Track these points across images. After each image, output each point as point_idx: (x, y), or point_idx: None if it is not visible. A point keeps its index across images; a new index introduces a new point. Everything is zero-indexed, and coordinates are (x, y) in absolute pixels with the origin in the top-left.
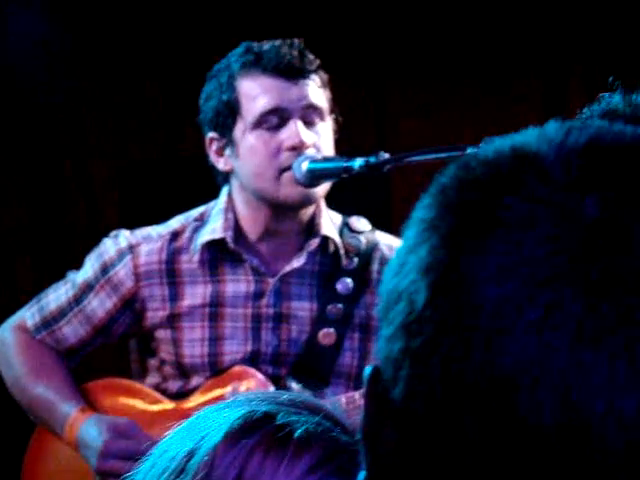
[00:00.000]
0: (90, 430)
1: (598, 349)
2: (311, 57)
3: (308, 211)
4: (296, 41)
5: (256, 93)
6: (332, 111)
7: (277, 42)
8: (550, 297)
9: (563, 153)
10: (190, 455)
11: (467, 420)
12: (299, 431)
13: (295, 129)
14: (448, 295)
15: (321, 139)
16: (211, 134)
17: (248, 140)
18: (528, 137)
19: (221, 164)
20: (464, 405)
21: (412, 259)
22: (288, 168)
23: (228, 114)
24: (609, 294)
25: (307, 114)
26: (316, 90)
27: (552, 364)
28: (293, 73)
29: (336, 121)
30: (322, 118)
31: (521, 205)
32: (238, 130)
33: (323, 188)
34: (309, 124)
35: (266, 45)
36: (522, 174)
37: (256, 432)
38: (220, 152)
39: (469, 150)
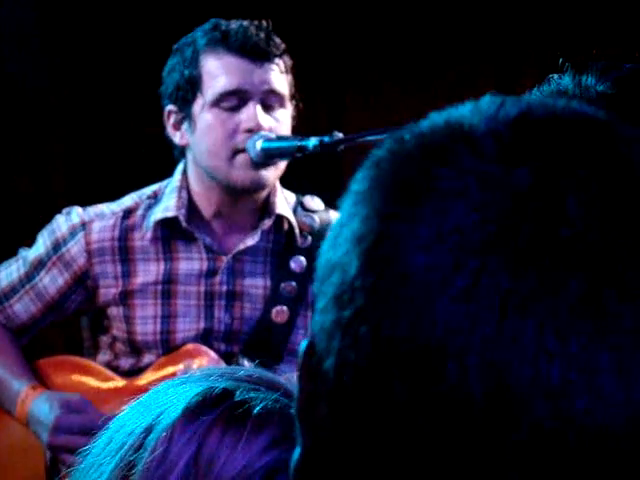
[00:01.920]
0: (41, 406)
1: (524, 317)
2: (277, 41)
3: (262, 192)
4: (264, 23)
5: (218, 72)
6: (293, 97)
7: (245, 22)
8: (477, 265)
9: (494, 125)
10: (148, 431)
11: (396, 390)
12: (258, 408)
13: (253, 111)
14: (378, 264)
15: (278, 125)
16: (170, 107)
17: (205, 117)
18: (462, 111)
19: (177, 138)
20: (393, 375)
21: (345, 231)
22: (242, 150)
23: (189, 89)
24: (536, 262)
25: (267, 98)
26: (279, 75)
27: (479, 332)
28: (258, 55)
29: (296, 107)
30: (282, 104)
31: (451, 175)
32: (197, 106)
33: (275, 173)
34: (268, 108)
35: (234, 24)
36: (454, 146)
37: (214, 409)
38: (177, 126)
39: None
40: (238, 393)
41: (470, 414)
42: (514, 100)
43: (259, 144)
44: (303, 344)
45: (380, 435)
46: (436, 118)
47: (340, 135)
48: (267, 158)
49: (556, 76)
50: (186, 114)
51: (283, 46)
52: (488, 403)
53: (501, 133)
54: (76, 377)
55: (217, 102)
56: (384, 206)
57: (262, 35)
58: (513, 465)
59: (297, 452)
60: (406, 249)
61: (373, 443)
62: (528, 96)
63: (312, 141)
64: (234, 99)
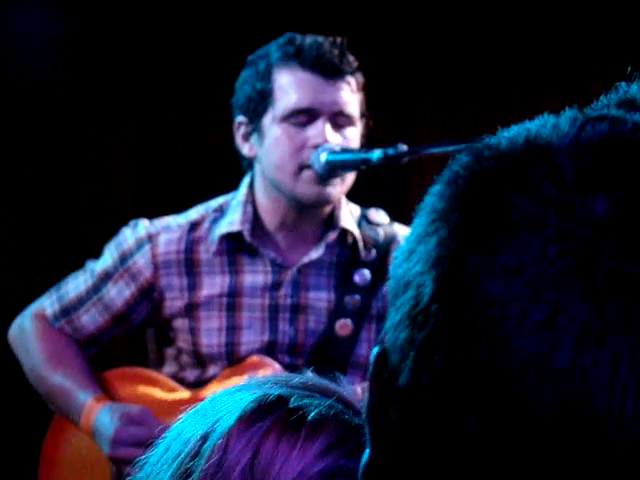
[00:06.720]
0: (103, 418)
1: (601, 350)
2: (351, 58)
3: (327, 207)
4: (338, 39)
5: (290, 87)
6: (363, 115)
7: (320, 38)
8: (555, 298)
9: (575, 149)
10: (204, 438)
11: (468, 416)
12: (312, 414)
13: (322, 129)
14: (454, 292)
15: (346, 141)
16: (240, 118)
17: (274, 131)
18: (543, 128)
19: (246, 149)
20: (466, 401)
21: (421, 249)
22: (309, 166)
23: (260, 101)
24: (615, 296)
25: (337, 118)
26: (349, 95)
27: (554, 364)
28: (330, 72)
29: (366, 125)
30: (351, 123)
31: (530, 205)
32: (267, 119)
33: (342, 188)
34: (337, 126)
35: (308, 39)
36: (532, 171)
37: (269, 415)
38: (246, 137)
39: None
40: (292, 400)
41: (542, 440)
42: (596, 119)
43: (323, 157)
44: (374, 351)
45: (450, 449)
46: (515, 134)
47: (404, 147)
48: (331, 171)
49: (624, 84)
50: (256, 126)
51: (356, 64)
52: (561, 430)
53: (582, 159)
54: (141, 388)
55: (286, 118)
56: (461, 230)
57: (336, 52)
58: None
59: (366, 455)
60: (483, 279)
61: (442, 455)
62: (610, 112)
63: (376, 153)
64: (303, 116)
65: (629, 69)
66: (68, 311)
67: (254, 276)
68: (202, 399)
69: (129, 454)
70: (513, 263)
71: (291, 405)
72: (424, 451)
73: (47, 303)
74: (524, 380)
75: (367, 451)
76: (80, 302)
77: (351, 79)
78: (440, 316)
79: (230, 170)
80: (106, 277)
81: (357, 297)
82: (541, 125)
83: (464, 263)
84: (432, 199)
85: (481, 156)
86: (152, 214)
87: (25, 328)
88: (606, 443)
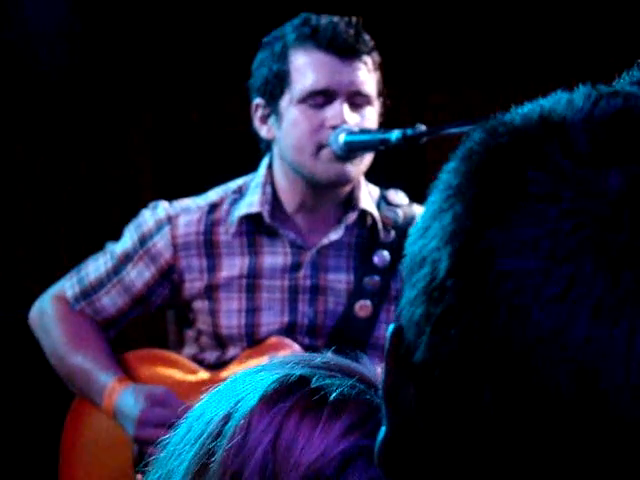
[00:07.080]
0: (127, 399)
1: (616, 323)
2: (367, 38)
3: (346, 186)
4: (354, 19)
5: (307, 69)
6: (380, 94)
7: (335, 18)
8: (571, 271)
9: (589, 124)
10: (226, 419)
11: (484, 389)
12: (334, 394)
13: (340, 109)
14: (470, 266)
15: (364, 121)
16: (258, 100)
17: (292, 112)
18: (557, 104)
19: (264, 131)
20: (481, 375)
21: (436, 225)
22: (327, 146)
23: (277, 84)
24: (630, 269)
25: (354, 98)
26: (366, 75)
27: (570, 337)
28: (346, 52)
29: (383, 104)
30: (369, 103)
31: (545, 179)
32: (284, 101)
33: (360, 168)
34: (355, 106)
35: (324, 19)
36: (547, 145)
37: (291, 396)
38: (264, 120)
39: None
40: (314, 380)
41: (558, 412)
42: (610, 94)
43: (342, 138)
44: (390, 328)
45: (466, 425)
46: (529, 110)
47: (423, 128)
48: (350, 151)
49: None
50: (273, 108)
51: (372, 43)
52: (576, 404)
53: (596, 133)
54: (162, 370)
55: (304, 99)
56: (477, 205)
57: (351, 32)
58: (599, 466)
59: (382, 432)
60: (499, 253)
61: (457, 431)
62: (624, 88)
63: (395, 134)
64: (321, 98)
65: None
66: (88, 293)
67: (273, 257)
68: (222, 380)
69: (154, 435)
70: (528, 237)
71: (313, 385)
72: (440, 427)
73: (67, 285)
74: (540, 354)
75: (383, 429)
76: (100, 284)
77: (367, 59)
78: (456, 291)
79: (249, 151)
80: (126, 259)
81: (376, 278)
82: (555, 101)
83: (479, 238)
84: (447, 175)
85: (495, 132)
86: (171, 196)
87: (45, 310)
88: (622, 418)
